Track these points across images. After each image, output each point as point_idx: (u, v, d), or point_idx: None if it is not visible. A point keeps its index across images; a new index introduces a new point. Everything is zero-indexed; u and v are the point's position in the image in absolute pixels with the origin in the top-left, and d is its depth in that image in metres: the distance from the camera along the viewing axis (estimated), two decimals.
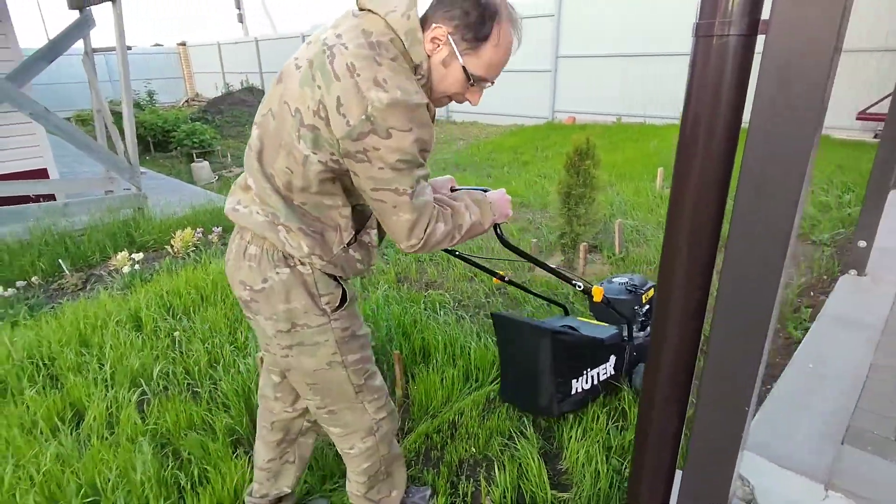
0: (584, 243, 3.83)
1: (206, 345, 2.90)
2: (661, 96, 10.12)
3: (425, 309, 3.33)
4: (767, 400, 1.93)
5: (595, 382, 2.17)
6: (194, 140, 9.53)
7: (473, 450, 2.17)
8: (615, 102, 10.92)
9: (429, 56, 1.21)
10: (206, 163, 8.47)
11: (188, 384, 2.64)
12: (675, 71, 9.79)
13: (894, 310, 2.58)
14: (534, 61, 12.05)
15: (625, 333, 2.30)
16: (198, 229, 4.84)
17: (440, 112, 14.12)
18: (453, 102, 1.35)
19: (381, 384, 1.56)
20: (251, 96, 13.90)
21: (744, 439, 0.99)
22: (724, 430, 0.98)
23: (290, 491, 1.80)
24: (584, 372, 2.12)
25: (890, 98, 4.82)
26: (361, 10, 1.22)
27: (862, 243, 2.90)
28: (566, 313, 2.60)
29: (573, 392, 2.10)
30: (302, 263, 1.31)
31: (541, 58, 11.85)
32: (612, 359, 2.21)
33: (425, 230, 1.24)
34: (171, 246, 4.60)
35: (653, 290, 2.46)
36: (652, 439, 1.11)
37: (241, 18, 26.13)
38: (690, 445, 1.04)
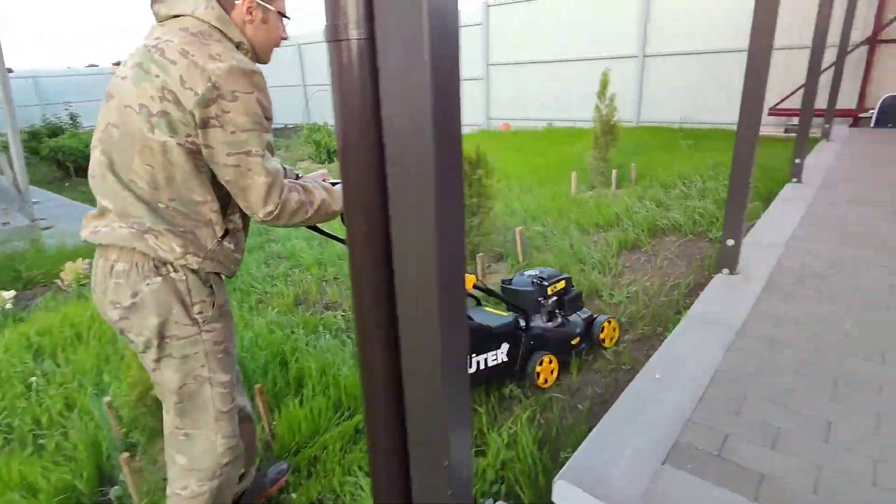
0: (481, 254, 3.79)
1: (64, 388, 2.71)
2: (591, 99, 10.29)
3: (315, 333, 3.22)
4: (604, 418, 1.88)
5: (482, 367, 2.29)
6: None
7: (329, 488, 2.07)
8: (546, 108, 11.06)
9: (246, 24, 1.38)
10: None
11: (35, 435, 2.45)
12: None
13: (756, 308, 2.61)
14: (465, 69, 12.09)
15: (522, 323, 2.45)
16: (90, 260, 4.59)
17: None
18: None
19: (237, 425, 1.55)
20: None
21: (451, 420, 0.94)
22: (428, 413, 0.95)
23: (244, 471, 1.80)
24: (468, 357, 2.21)
25: (802, 91, 5.03)
26: (164, 21, 1.36)
27: (730, 242, 2.94)
28: (478, 303, 2.72)
29: None
30: (175, 270, 1.34)
31: (472, 66, 11.92)
32: (505, 346, 2.35)
33: (280, 195, 1.32)
34: (62, 279, 4.35)
35: (563, 282, 2.64)
36: (378, 423, 1.07)
37: None
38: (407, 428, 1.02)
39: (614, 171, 5.79)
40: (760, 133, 8.79)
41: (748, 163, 2.81)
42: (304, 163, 10.48)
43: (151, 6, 1.39)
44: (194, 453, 1.47)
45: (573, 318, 2.69)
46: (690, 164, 6.58)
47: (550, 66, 10.80)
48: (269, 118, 1.33)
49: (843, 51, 6.69)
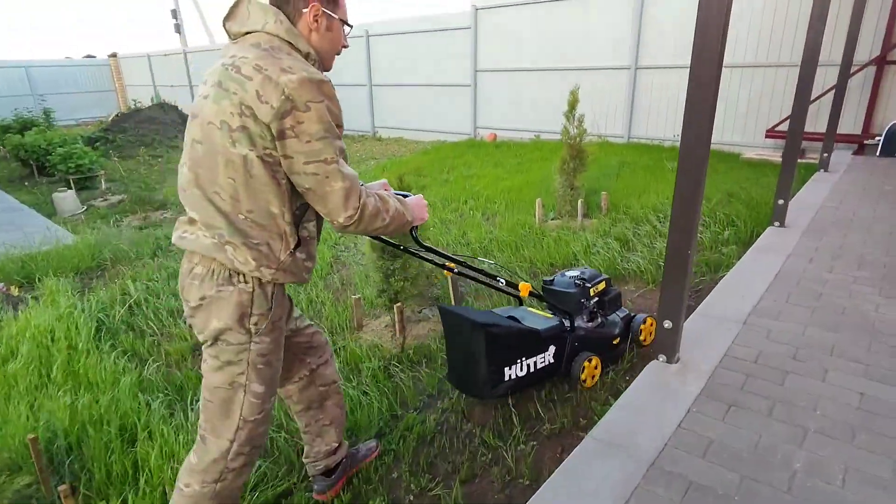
0: (400, 303, 3.24)
1: None
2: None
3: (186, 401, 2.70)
4: None
5: (532, 370, 2.34)
6: (70, 165, 8.67)
7: None
8: (534, 118, 10.46)
9: (312, 32, 1.46)
10: (71, 192, 7.62)
11: None
12: (598, 85, 9.37)
13: (685, 426, 2.03)
14: (452, 75, 11.53)
15: (567, 325, 2.49)
16: None
17: (366, 127, 13.49)
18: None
19: (264, 435, 1.61)
20: (161, 113, 13.03)
21: None
22: None
23: (337, 444, 1.98)
24: (518, 360, 2.29)
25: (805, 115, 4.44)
26: (236, 37, 1.46)
27: (667, 323, 2.37)
28: (520, 303, 2.74)
29: (506, 378, 2.28)
30: (246, 281, 1.42)
31: (459, 72, 11.34)
32: (552, 348, 2.39)
33: (359, 200, 1.40)
34: None
35: (604, 283, 2.67)
36: None
37: (178, 29, 25.04)
38: None
39: (580, 202, 5.20)
40: (757, 157, 8.12)
41: (689, 228, 2.22)
42: None
43: (224, 25, 1.48)
44: (205, 459, 1.53)
45: (612, 317, 2.74)
46: (671, 192, 5.98)
47: (539, 75, 10.19)
48: (339, 125, 1.40)
49: (846, 71, 6.06)
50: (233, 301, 1.42)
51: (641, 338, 2.80)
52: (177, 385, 2.87)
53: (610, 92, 9.40)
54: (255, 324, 1.45)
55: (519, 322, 2.33)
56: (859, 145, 7.42)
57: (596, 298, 2.63)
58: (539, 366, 2.35)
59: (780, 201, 4.27)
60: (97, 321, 3.72)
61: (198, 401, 2.64)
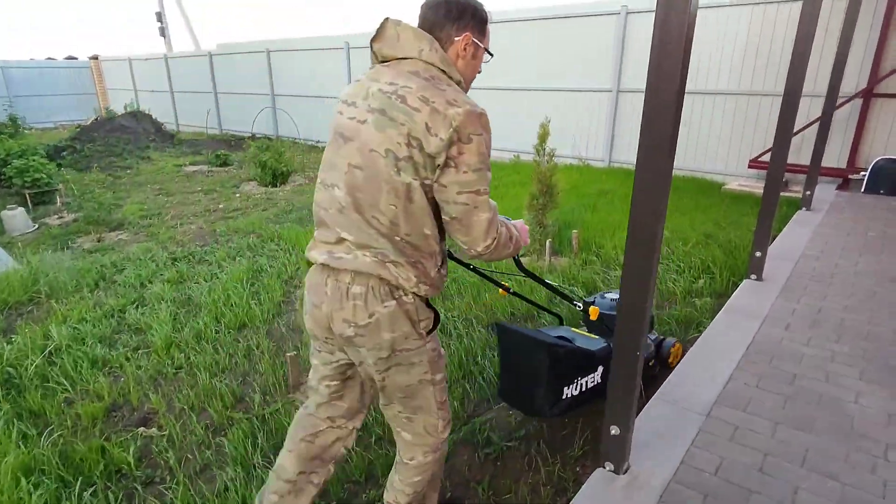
0: (293, 353, 2.90)
1: None
2: (559, 133, 9.43)
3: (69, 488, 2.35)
4: None
5: (584, 389, 2.37)
6: (27, 179, 8.25)
7: None
8: (514, 138, 10.19)
9: (459, 59, 1.52)
10: (21, 210, 7.19)
11: None
12: (579, 107, 9.13)
13: None
14: None
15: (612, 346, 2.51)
16: None
17: None
18: None
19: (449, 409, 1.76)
20: (134, 122, 12.59)
21: None
22: None
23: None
24: (575, 380, 2.32)
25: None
26: (385, 61, 1.51)
27: (614, 430, 2.04)
28: (560, 323, 2.91)
29: (564, 397, 2.29)
30: (406, 294, 1.51)
31: None
32: (600, 369, 2.42)
33: (497, 229, 1.50)
34: None
35: None
36: None
37: (162, 32, 24.57)
38: None
39: (548, 242, 4.89)
40: (739, 188, 7.78)
41: (637, 329, 1.90)
42: (249, 185, 9.59)
43: (371, 45, 1.52)
44: (418, 432, 1.68)
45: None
46: None
47: (520, 95, 9.91)
48: (489, 156, 1.46)
49: (831, 102, 5.81)
50: (400, 312, 1.49)
51: (670, 360, 2.99)
52: (74, 464, 2.52)
53: (591, 114, 9.15)
54: (424, 327, 1.56)
55: (571, 342, 2.39)
56: (844, 180, 7.18)
57: None
58: (590, 385, 2.39)
59: (758, 253, 3.98)
60: (5, 374, 3.35)
61: (93, 492, 2.33)
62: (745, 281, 4.06)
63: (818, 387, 2.69)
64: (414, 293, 1.50)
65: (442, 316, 3.51)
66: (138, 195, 8.96)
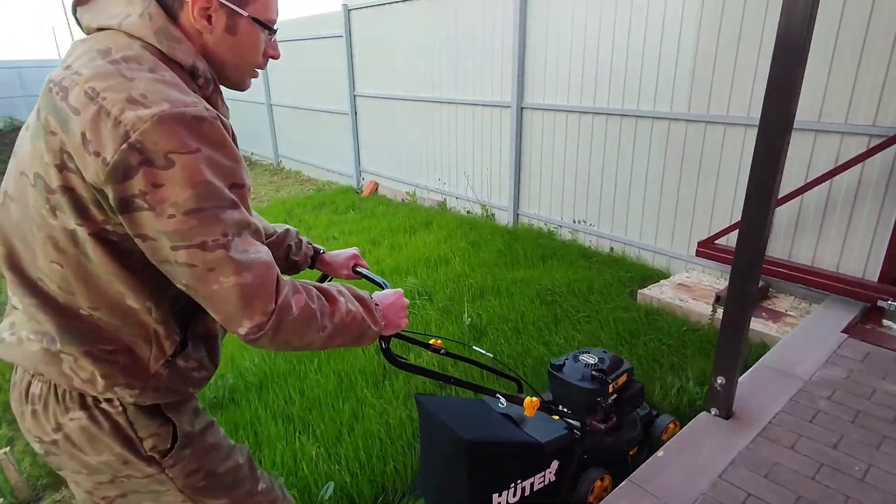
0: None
1: None
2: (466, 156, 6.69)
3: None
4: None
5: (527, 494, 1.86)
6: None
7: None
8: (410, 166, 7.50)
9: (203, 35, 0.93)
10: None
11: None
12: (478, 123, 6.42)
13: None
14: (327, 99, 8.65)
15: (576, 433, 2.00)
16: None
17: (268, 154, 10.48)
18: None
19: None
20: None
21: None
22: None
23: None
24: (512, 485, 1.80)
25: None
26: (89, 32, 0.94)
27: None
28: (519, 389, 2.09)
29: None
30: (101, 402, 0.95)
31: (335, 95, 8.43)
32: (555, 465, 1.92)
33: (272, 301, 0.87)
34: None
35: (625, 375, 2.06)
36: None
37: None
38: None
39: None
40: (671, 294, 4.16)
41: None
42: None
43: (74, 12, 0.97)
44: None
45: (630, 416, 2.18)
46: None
47: (416, 106, 7.16)
48: (238, 184, 0.87)
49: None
50: (99, 427, 0.95)
51: (664, 439, 2.26)
52: None
53: (493, 128, 6.33)
54: (154, 447, 0.99)
55: (515, 424, 1.85)
56: (872, 306, 3.55)
57: (615, 395, 2.02)
58: (537, 487, 1.86)
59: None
60: None
61: None
62: (700, 416, 1.34)
63: None
64: (109, 401, 0.95)
65: None
66: None
